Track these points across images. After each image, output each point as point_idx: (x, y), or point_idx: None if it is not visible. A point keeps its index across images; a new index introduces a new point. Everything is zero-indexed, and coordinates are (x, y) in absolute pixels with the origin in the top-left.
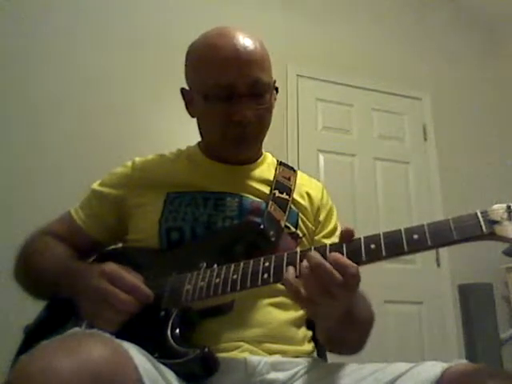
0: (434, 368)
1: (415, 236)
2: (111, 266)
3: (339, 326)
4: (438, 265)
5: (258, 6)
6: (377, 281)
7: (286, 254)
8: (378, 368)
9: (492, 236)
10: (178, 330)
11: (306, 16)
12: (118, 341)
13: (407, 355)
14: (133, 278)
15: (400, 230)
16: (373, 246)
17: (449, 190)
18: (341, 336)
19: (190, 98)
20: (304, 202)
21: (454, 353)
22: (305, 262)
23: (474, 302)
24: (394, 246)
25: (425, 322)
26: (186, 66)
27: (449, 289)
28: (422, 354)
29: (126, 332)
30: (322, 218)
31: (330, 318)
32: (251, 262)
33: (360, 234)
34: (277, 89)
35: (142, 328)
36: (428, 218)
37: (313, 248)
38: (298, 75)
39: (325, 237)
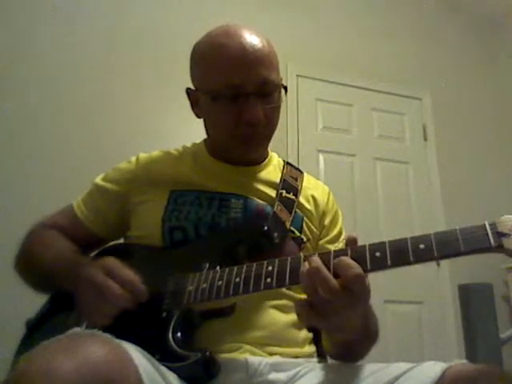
0: (434, 368)
1: (421, 246)
2: (110, 260)
3: (356, 339)
4: (438, 265)
5: (258, 6)
6: (377, 281)
7: (289, 259)
8: (378, 368)
9: (500, 249)
10: (179, 333)
11: (306, 16)
12: (118, 341)
13: (407, 355)
14: (130, 272)
15: (406, 239)
16: (378, 254)
17: (449, 190)
18: (354, 349)
19: (195, 99)
20: (309, 206)
21: (453, 353)
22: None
23: (474, 302)
24: (400, 255)
25: (425, 321)
26: (191, 65)
27: (449, 289)
28: (422, 354)
29: (126, 332)
30: (326, 222)
31: (344, 331)
32: (254, 265)
33: (360, 233)
34: (286, 88)
35: (143, 329)
36: (428, 219)
37: (317, 254)
38: (297, 75)
39: (329, 242)
